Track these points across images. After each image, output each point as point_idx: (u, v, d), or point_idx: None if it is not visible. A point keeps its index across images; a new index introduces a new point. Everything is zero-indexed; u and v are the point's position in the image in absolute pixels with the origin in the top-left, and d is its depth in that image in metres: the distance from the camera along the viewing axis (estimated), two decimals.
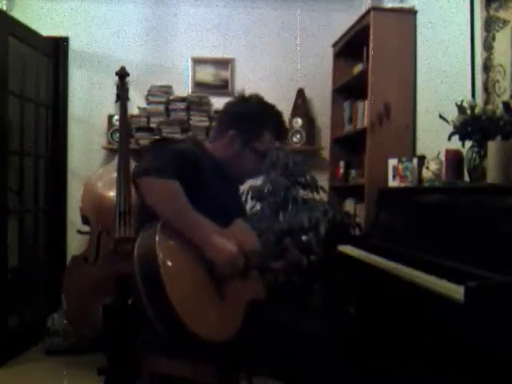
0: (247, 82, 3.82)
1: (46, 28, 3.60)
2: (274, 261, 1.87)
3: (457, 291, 1.41)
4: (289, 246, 1.87)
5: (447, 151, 2.40)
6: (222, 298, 1.50)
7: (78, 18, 3.79)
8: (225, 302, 1.50)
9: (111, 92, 3.51)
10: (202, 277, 1.48)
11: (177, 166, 1.49)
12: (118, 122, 3.46)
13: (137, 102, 3.76)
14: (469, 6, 2.50)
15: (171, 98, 3.78)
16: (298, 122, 3.78)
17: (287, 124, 1.75)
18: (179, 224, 1.46)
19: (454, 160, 2.36)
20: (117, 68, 3.19)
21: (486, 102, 2.32)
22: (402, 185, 2.71)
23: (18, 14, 3.51)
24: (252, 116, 1.75)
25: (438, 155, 2.48)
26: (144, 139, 3.67)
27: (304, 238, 1.95)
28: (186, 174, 1.52)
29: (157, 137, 3.66)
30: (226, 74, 3.90)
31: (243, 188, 3.02)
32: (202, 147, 1.76)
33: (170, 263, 1.39)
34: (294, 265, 1.93)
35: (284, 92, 3.82)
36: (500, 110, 2.05)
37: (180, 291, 1.37)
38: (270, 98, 1.84)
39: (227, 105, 1.83)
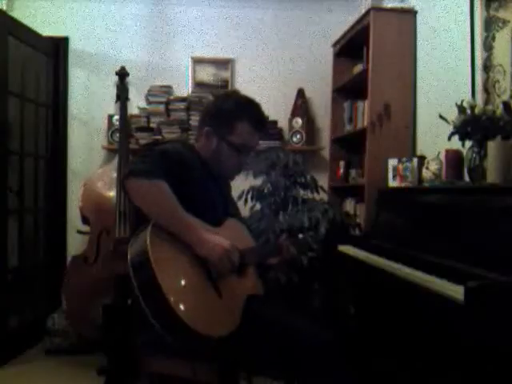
0: (247, 82, 3.83)
1: (46, 28, 3.60)
2: (271, 257, 1.87)
3: (457, 291, 1.41)
4: (285, 243, 1.87)
5: (447, 151, 2.40)
6: (219, 294, 1.50)
7: (78, 18, 3.79)
8: (222, 298, 1.51)
9: (111, 92, 3.52)
10: (197, 275, 1.48)
11: (163, 166, 1.50)
12: (118, 122, 3.46)
13: (137, 102, 3.76)
14: (469, 6, 2.50)
15: (171, 98, 3.78)
16: (298, 122, 3.78)
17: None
18: (169, 224, 1.47)
19: (454, 160, 2.36)
20: (117, 68, 3.19)
21: (486, 102, 2.32)
22: (402, 185, 2.71)
23: (18, 14, 3.51)
24: (223, 110, 1.74)
25: (438, 155, 2.48)
26: (144, 139, 3.67)
27: (300, 235, 1.94)
28: (173, 173, 1.53)
29: (156, 137, 3.66)
30: (226, 73, 3.90)
31: (243, 188, 3.04)
32: (190, 147, 1.77)
33: (163, 265, 1.39)
34: (291, 261, 1.93)
35: (284, 92, 3.82)
36: (500, 109, 2.06)
37: (177, 291, 1.38)
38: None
39: (204, 104, 1.85)
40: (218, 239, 1.52)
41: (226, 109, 1.74)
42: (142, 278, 1.38)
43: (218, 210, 1.75)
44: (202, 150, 1.75)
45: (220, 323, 1.46)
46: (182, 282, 1.43)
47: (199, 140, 1.78)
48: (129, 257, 1.42)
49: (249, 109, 1.76)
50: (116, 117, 3.58)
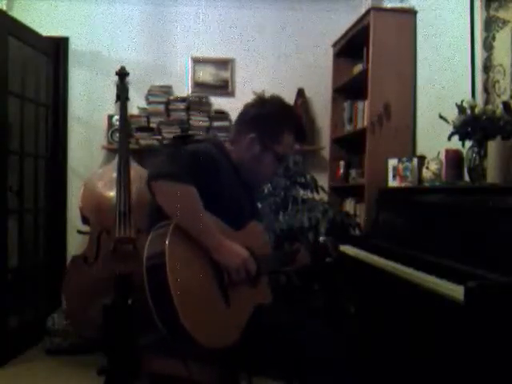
0: (247, 82, 3.83)
1: (46, 28, 3.59)
2: (286, 266, 1.87)
3: (457, 291, 1.41)
4: (301, 250, 1.87)
5: (447, 151, 2.40)
6: (227, 303, 1.48)
7: (78, 18, 3.79)
8: (230, 307, 1.49)
9: (111, 92, 3.51)
10: (209, 282, 1.46)
11: (193, 169, 1.47)
12: (118, 122, 3.46)
13: (137, 102, 3.76)
14: (469, 5, 2.50)
15: (171, 98, 3.79)
16: None
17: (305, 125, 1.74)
18: (191, 228, 1.44)
19: (454, 160, 2.36)
20: (117, 68, 3.19)
21: (486, 102, 2.32)
22: (402, 185, 2.72)
23: (17, 14, 3.51)
24: (271, 118, 1.71)
25: (438, 155, 2.48)
26: (144, 139, 3.67)
27: (321, 239, 1.94)
28: (202, 175, 1.50)
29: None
30: (226, 74, 3.90)
31: None
32: (222, 149, 1.73)
33: (178, 267, 1.37)
34: (302, 269, 1.92)
35: (284, 92, 3.78)
36: (500, 109, 2.06)
37: (186, 296, 1.36)
38: None
39: (246, 107, 1.79)
40: (238, 248, 1.51)
41: (273, 117, 1.71)
42: (155, 280, 1.36)
43: (244, 214, 1.72)
44: (236, 154, 1.73)
45: (225, 335, 1.45)
46: (194, 289, 1.40)
47: (236, 143, 1.74)
48: (145, 254, 1.40)
49: (294, 120, 1.77)
50: (116, 117, 3.58)
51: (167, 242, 1.38)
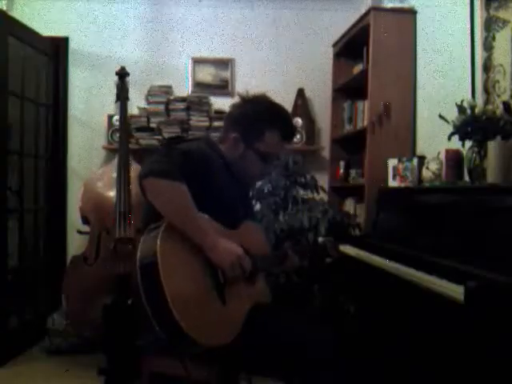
0: (247, 82, 3.82)
1: (46, 28, 3.59)
2: (275, 267, 1.87)
3: (457, 291, 1.41)
4: (289, 252, 1.87)
5: (447, 151, 2.40)
6: (223, 302, 1.48)
7: (78, 18, 3.79)
8: (226, 306, 1.49)
9: (111, 92, 3.51)
10: (204, 283, 1.46)
11: (184, 167, 1.47)
12: (117, 122, 3.46)
13: (137, 102, 3.76)
14: (469, 6, 2.50)
15: (171, 98, 3.79)
16: (298, 122, 3.77)
17: (295, 123, 1.69)
18: (183, 226, 1.45)
19: (454, 160, 2.36)
20: (117, 68, 3.19)
21: (486, 102, 2.32)
22: (402, 185, 2.71)
23: (18, 14, 3.51)
24: (253, 117, 1.71)
25: (438, 155, 2.48)
26: (144, 139, 3.68)
27: (321, 239, 1.94)
28: (195, 174, 1.50)
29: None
30: (226, 74, 3.90)
31: None
32: (214, 147, 1.74)
33: (170, 266, 1.38)
34: (294, 270, 1.92)
35: (284, 92, 3.81)
36: (500, 109, 2.06)
37: (180, 295, 1.36)
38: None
39: (231, 107, 1.80)
40: (231, 245, 1.51)
41: (256, 116, 1.71)
42: (149, 281, 1.36)
43: (239, 212, 1.73)
44: (226, 153, 1.73)
45: (221, 333, 1.45)
46: (188, 292, 1.40)
47: (224, 143, 1.75)
48: (138, 254, 1.41)
49: (280, 118, 1.75)
50: (116, 117, 3.57)
51: (159, 242, 1.39)
